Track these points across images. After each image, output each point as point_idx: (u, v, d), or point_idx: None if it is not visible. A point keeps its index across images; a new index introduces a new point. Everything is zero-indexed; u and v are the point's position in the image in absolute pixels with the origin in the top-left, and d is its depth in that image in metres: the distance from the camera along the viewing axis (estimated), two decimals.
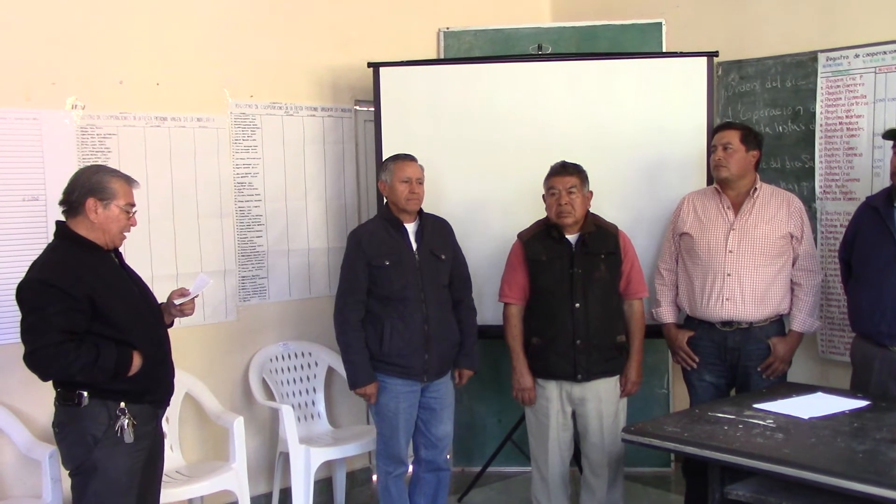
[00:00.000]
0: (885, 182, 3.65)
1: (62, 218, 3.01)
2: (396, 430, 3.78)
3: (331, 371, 4.62)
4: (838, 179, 4.18)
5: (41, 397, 3.26)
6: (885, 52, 3.99)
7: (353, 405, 4.65)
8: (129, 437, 2.92)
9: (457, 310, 3.87)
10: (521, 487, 4.49)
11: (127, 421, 2.92)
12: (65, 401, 2.92)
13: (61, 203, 2.99)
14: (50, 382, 2.97)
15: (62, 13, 3.82)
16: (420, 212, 3.82)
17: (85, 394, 2.88)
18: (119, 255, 3.11)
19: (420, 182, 3.76)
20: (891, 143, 3.40)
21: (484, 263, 4.23)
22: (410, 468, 4.00)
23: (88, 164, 3.70)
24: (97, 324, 2.88)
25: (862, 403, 3.15)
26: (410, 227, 3.79)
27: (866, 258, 3.43)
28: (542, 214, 3.80)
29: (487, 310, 4.15)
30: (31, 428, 3.66)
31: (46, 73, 3.78)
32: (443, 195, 4.26)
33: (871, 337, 3.39)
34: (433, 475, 3.93)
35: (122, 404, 2.92)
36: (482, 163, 4.38)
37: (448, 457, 4.01)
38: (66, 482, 3.06)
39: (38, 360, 2.85)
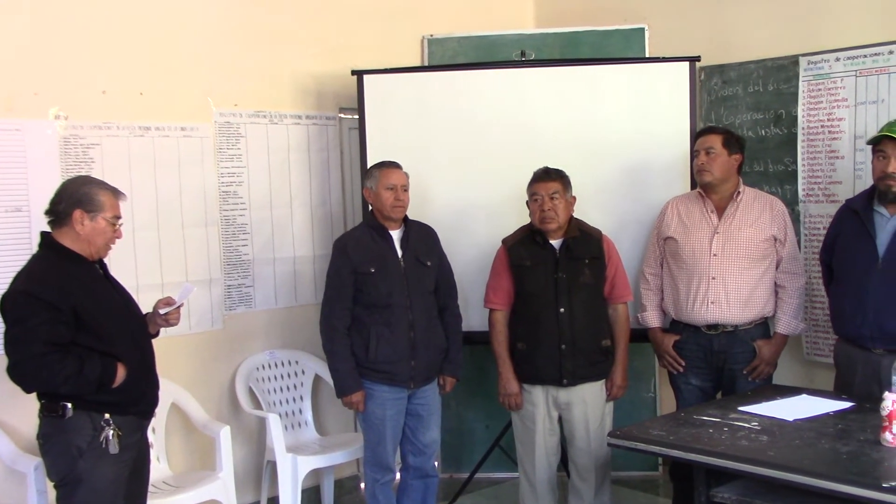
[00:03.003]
0: (867, 184, 3.66)
1: (46, 228, 3.00)
2: (384, 438, 3.78)
3: (318, 379, 4.61)
4: (821, 182, 4.21)
5: (25, 409, 3.24)
6: (865, 56, 4.02)
7: (340, 413, 4.64)
8: (114, 448, 2.92)
9: (442, 316, 3.88)
10: (509, 493, 4.49)
11: (112, 432, 2.91)
12: (49, 412, 2.91)
13: (47, 213, 2.99)
14: (34, 394, 2.95)
15: (44, 23, 3.80)
16: (405, 219, 3.83)
17: (69, 405, 2.87)
18: (103, 266, 3.11)
19: (405, 189, 3.77)
20: (871, 146, 3.42)
21: (469, 269, 4.23)
22: (398, 475, 4.00)
23: (72, 174, 3.70)
24: (81, 335, 2.88)
25: (846, 405, 3.18)
26: (396, 234, 3.80)
27: (847, 261, 3.45)
28: (528, 220, 3.81)
29: (473, 316, 4.15)
30: (16, 440, 3.64)
31: (29, 83, 3.77)
32: (428, 202, 4.27)
33: (854, 340, 3.40)
34: (421, 482, 3.94)
35: (107, 415, 2.92)
36: (467, 169, 4.39)
37: (436, 463, 4.02)
38: (52, 494, 3.05)
39: (22, 371, 2.84)
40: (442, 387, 3.93)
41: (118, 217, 3.02)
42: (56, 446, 2.92)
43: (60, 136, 3.87)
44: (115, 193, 3.03)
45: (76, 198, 2.95)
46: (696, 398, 3.80)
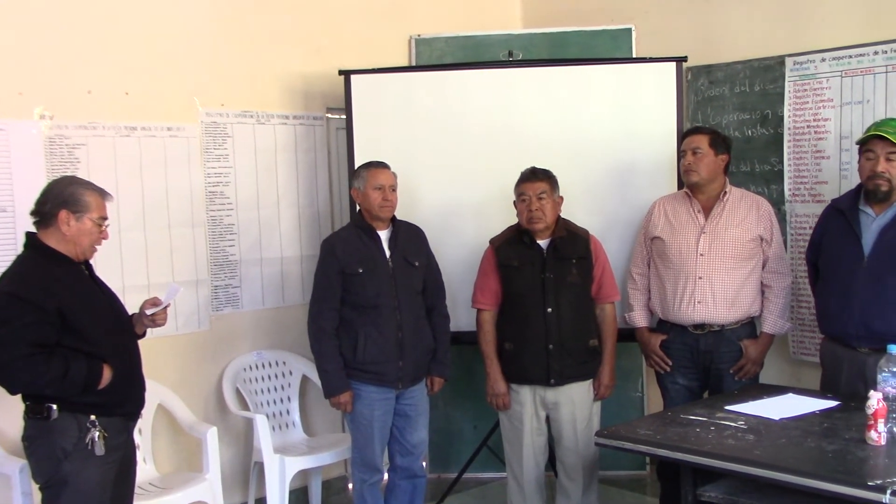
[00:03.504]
0: (853, 184, 3.68)
1: (31, 229, 2.98)
2: (371, 438, 3.78)
3: (305, 380, 4.60)
4: (807, 182, 4.23)
5: (10, 411, 3.21)
6: (850, 56, 4.04)
7: (327, 413, 4.63)
8: (99, 450, 2.90)
9: (430, 317, 3.88)
10: (497, 493, 4.49)
11: (98, 433, 2.89)
12: (34, 414, 2.89)
13: (33, 213, 2.97)
14: (19, 396, 2.93)
15: (28, 22, 3.78)
16: (393, 219, 3.82)
17: (54, 407, 2.86)
18: (89, 267, 3.09)
19: (393, 189, 3.77)
20: (858, 146, 3.43)
21: (457, 269, 4.23)
22: (386, 476, 4.00)
23: (57, 174, 3.67)
24: (67, 337, 2.86)
25: (832, 404, 3.19)
26: (384, 235, 3.80)
27: (833, 261, 3.46)
28: (515, 220, 3.81)
29: (461, 316, 4.15)
30: (1, 442, 3.62)
31: (13, 83, 3.74)
32: (416, 202, 4.26)
33: (840, 339, 3.42)
34: (409, 482, 3.93)
35: (93, 417, 2.90)
36: (454, 169, 4.39)
37: (424, 463, 4.02)
38: (37, 496, 3.03)
39: (7, 373, 2.82)
40: (430, 387, 3.93)
41: (104, 218, 3.01)
42: (41, 448, 2.90)
43: (45, 136, 3.85)
44: (102, 194, 3.02)
45: (62, 198, 2.93)
46: (683, 398, 3.82)
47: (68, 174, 3.65)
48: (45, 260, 2.92)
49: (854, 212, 3.40)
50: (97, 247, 3.04)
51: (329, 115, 4.80)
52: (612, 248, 4.05)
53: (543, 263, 3.70)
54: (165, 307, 3.18)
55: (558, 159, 3.97)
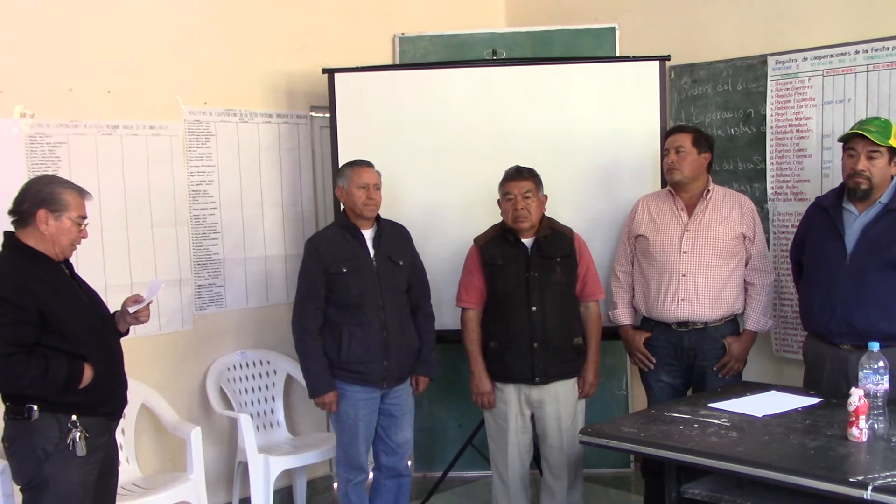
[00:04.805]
0: (835, 183, 3.72)
1: (10, 228, 2.96)
2: (356, 438, 3.77)
3: (290, 379, 4.59)
4: (789, 180, 4.25)
5: None
6: (832, 56, 4.07)
7: (312, 413, 4.62)
8: (81, 451, 2.88)
9: (415, 316, 3.88)
10: (482, 492, 4.50)
11: (79, 434, 2.87)
12: (14, 415, 2.87)
13: (10, 213, 2.94)
14: None
15: (9, 19, 3.75)
16: (378, 218, 3.82)
17: (35, 407, 2.83)
18: (70, 266, 3.07)
19: (377, 188, 3.76)
20: (841, 144, 3.45)
21: (442, 268, 4.23)
22: (371, 475, 3.99)
23: (38, 173, 3.64)
24: (47, 336, 2.84)
25: (814, 401, 3.21)
26: (368, 234, 3.79)
27: (816, 258, 3.48)
28: (499, 219, 3.81)
29: (446, 314, 4.15)
30: None
31: None
32: (400, 201, 4.26)
33: (822, 336, 3.44)
34: (394, 482, 3.93)
35: (74, 417, 2.88)
36: (439, 168, 4.39)
37: (409, 463, 4.01)
38: (19, 497, 3.01)
39: None
40: (414, 387, 3.92)
41: (83, 216, 2.98)
42: (22, 449, 2.88)
43: (26, 135, 3.82)
44: (81, 192, 2.99)
45: (40, 197, 2.91)
46: (667, 395, 3.83)
47: (49, 173, 3.63)
48: (24, 259, 2.90)
49: (837, 209, 3.42)
50: (76, 245, 3.02)
51: (313, 114, 4.78)
52: (596, 246, 4.05)
53: (528, 262, 3.70)
54: (148, 304, 3.16)
55: (542, 158, 3.99)
